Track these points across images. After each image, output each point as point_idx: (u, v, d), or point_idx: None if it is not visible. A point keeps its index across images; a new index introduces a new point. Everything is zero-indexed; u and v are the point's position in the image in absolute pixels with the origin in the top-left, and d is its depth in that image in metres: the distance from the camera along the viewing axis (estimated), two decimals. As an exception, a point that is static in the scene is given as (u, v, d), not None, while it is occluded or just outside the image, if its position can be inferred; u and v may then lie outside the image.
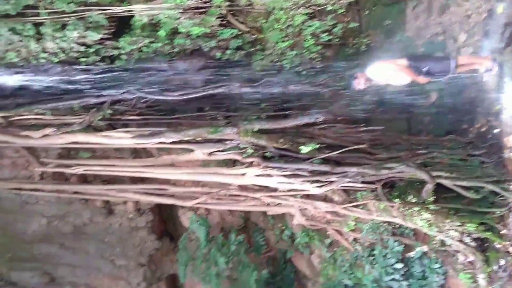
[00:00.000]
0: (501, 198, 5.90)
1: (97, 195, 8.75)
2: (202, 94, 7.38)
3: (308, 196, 7.55)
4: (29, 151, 8.38)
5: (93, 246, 9.95)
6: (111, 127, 7.67)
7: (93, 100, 7.34)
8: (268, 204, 7.98)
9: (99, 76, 7.24)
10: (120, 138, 7.33)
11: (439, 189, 6.35)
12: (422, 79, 5.48)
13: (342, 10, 7.70)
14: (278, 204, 7.90)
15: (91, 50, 6.93)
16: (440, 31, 7.52)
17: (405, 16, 7.99)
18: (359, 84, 5.60)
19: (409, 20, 7.97)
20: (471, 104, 6.79)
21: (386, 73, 5.50)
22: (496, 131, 6.34)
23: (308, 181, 7.12)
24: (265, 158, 7.28)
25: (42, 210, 9.44)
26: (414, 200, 6.50)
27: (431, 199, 6.30)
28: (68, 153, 8.37)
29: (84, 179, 8.70)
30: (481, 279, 6.01)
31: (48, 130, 7.43)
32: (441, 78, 5.58)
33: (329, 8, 7.54)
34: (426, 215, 6.27)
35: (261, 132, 7.03)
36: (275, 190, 7.64)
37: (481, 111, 6.73)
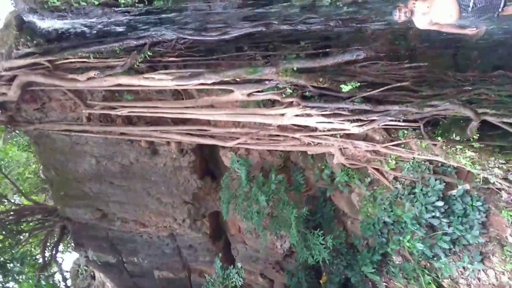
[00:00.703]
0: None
1: (142, 136, 9.06)
2: (240, 33, 7.28)
3: (348, 136, 7.54)
4: (76, 93, 8.68)
5: (140, 184, 10.47)
6: (152, 69, 7.79)
7: (134, 42, 7.39)
8: (308, 144, 8.04)
9: (139, 17, 7.24)
10: (161, 80, 7.47)
11: (485, 126, 6.19)
12: (471, 31, 5.24)
13: None
14: (318, 143, 7.94)
15: (130, -9, 6.91)
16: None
17: None
18: (400, 16, 5.38)
19: None
20: (522, 38, 6.42)
21: (430, 7, 5.25)
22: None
23: (348, 120, 7.10)
24: (304, 97, 7.26)
25: (91, 151, 9.92)
26: (457, 138, 6.37)
27: (476, 136, 6.16)
28: (112, 95, 8.61)
29: (129, 120, 8.97)
30: (525, 216, 5.97)
31: (92, 73, 7.66)
32: (490, 15, 5.28)
33: None
34: (469, 153, 6.16)
35: (300, 71, 6.96)
36: (314, 129, 7.67)
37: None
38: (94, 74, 7.56)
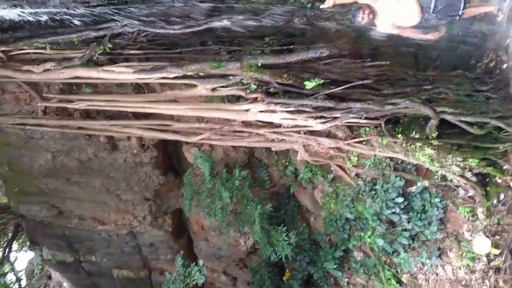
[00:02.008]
0: (505, 134, 5.90)
1: (101, 131, 8.79)
2: (204, 27, 7.16)
3: (311, 132, 7.56)
4: (31, 86, 8.32)
5: (99, 180, 10.16)
6: (112, 61, 7.55)
7: (93, 34, 7.14)
8: (272, 140, 8.02)
9: (99, 8, 7.00)
10: (122, 73, 7.26)
11: (443, 125, 6.35)
12: (433, 36, 5.37)
13: None
14: (282, 140, 7.94)
15: (89, -20, 6.68)
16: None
17: None
18: (364, 18, 5.41)
19: None
20: (481, 39, 6.61)
21: (392, 9, 5.32)
22: (504, 66, 6.23)
23: (312, 117, 7.11)
24: (268, 93, 7.22)
25: (47, 145, 9.54)
26: (417, 135, 6.51)
27: (435, 134, 6.31)
28: (70, 88, 8.30)
29: (88, 114, 8.68)
30: (480, 212, 6.15)
31: (49, 65, 7.35)
32: (451, 18, 5.41)
33: None
34: (428, 150, 6.31)
35: (265, 67, 6.92)
36: (279, 126, 7.65)
37: (490, 46, 6.58)
38: (51, 66, 7.25)
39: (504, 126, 5.79)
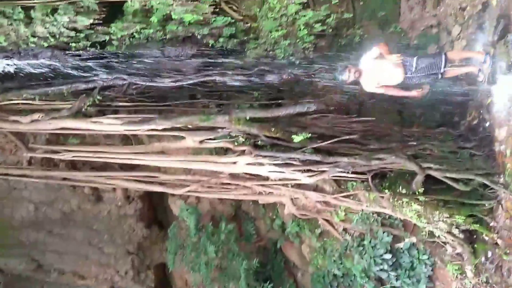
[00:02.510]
0: (491, 191, 5.94)
1: (86, 182, 8.68)
2: (194, 81, 7.30)
3: (299, 186, 7.56)
4: (18, 136, 8.28)
5: (81, 233, 9.88)
6: (101, 113, 7.58)
7: (83, 86, 7.24)
8: (259, 193, 7.98)
9: (90, 61, 7.13)
10: (110, 125, 7.26)
11: (429, 180, 6.39)
12: (417, 93, 5.57)
13: (336, 1, 7.67)
14: (269, 193, 7.90)
15: (82, 35, 6.82)
16: (434, 23, 7.54)
17: (399, 7, 8.01)
18: (349, 77, 5.59)
19: (404, 12, 7.99)
20: (463, 97, 6.82)
21: (377, 68, 5.52)
22: (487, 124, 6.38)
23: (299, 170, 7.12)
24: (256, 146, 7.26)
25: (30, 196, 9.35)
26: (404, 191, 6.52)
27: (421, 190, 6.33)
28: (57, 139, 8.27)
29: (73, 165, 8.60)
30: (469, 270, 6.07)
31: (36, 116, 7.34)
32: (433, 77, 5.63)
33: (324, -3, 7.52)
34: (415, 206, 6.30)
35: (253, 120, 7.00)
36: (266, 179, 7.64)
37: (473, 104, 6.78)
38: (39, 117, 7.25)
39: (489, 183, 5.84)
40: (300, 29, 7.57)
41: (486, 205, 5.97)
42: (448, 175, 6.12)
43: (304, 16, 7.48)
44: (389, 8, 7.97)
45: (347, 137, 6.88)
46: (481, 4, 6.38)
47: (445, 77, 5.82)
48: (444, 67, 5.58)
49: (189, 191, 8.12)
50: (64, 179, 8.65)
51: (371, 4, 7.97)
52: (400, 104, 7.62)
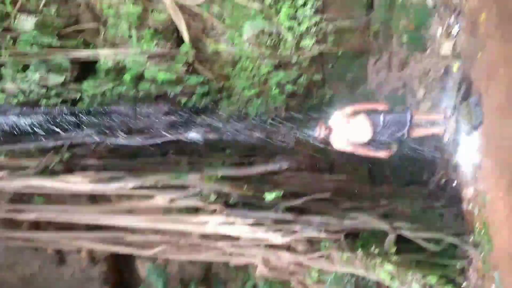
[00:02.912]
0: (461, 251, 5.96)
1: (49, 243, 8.28)
2: (165, 139, 7.27)
3: (271, 246, 7.38)
4: (-21, 194, 7.92)
5: (42, 298, 9.32)
6: (69, 171, 7.39)
7: (51, 143, 7.10)
8: (231, 254, 7.75)
9: (60, 118, 7.05)
10: (77, 183, 7.06)
11: (401, 240, 6.37)
12: (384, 154, 5.71)
13: (306, 63, 7.93)
14: (241, 254, 7.69)
15: (53, 92, 6.80)
16: (400, 85, 7.84)
17: (366, 70, 8.32)
18: (320, 133, 5.70)
19: (371, 74, 8.30)
20: (431, 157, 6.99)
21: (346, 125, 5.65)
22: (454, 183, 6.50)
23: (271, 230, 7.00)
24: (228, 205, 7.14)
25: (-12, 259, 8.84)
26: (376, 251, 6.46)
27: (393, 250, 6.29)
28: (21, 197, 7.94)
29: (37, 225, 8.22)
30: (445, 332, 5.95)
31: (0, 173, 7.09)
32: (400, 134, 5.78)
33: (294, 60, 7.76)
34: (388, 266, 6.22)
35: (225, 178, 6.94)
36: (237, 239, 7.46)
37: (440, 163, 6.93)
38: (2, 175, 7.00)
39: (459, 243, 5.86)
40: (272, 89, 7.75)
41: (458, 265, 5.96)
42: (418, 234, 6.13)
43: (276, 76, 7.70)
44: (357, 71, 8.29)
45: (319, 195, 6.87)
46: (443, 68, 6.70)
47: (412, 136, 5.98)
48: (410, 125, 5.75)
49: (157, 253, 7.82)
50: (27, 240, 8.23)
51: (340, 66, 8.26)
52: (370, 162, 7.72)
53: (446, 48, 6.52)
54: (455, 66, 6.37)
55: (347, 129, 5.68)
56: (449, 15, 6.42)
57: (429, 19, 6.88)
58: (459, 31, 6.25)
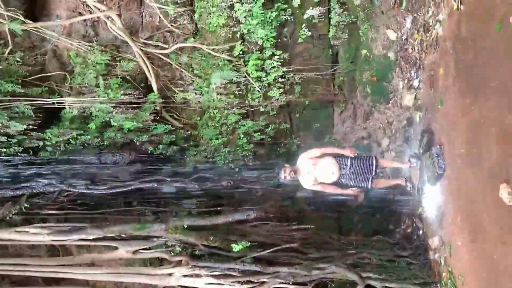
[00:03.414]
0: (429, 301, 5.93)
1: (3, 299, 7.80)
2: (130, 188, 7.11)
3: (237, 299, 7.17)
4: None
5: None
6: (28, 222, 7.08)
7: (10, 193, 6.83)
8: (195, 308, 7.46)
9: (20, 167, 6.83)
10: (36, 234, 6.75)
11: (371, 290, 6.30)
12: (352, 192, 5.78)
13: (274, 112, 8.06)
14: (207, 307, 7.41)
15: (14, 140, 6.60)
16: (365, 135, 8.02)
17: (332, 120, 8.51)
18: (286, 176, 5.74)
19: (337, 124, 8.48)
20: (396, 206, 7.06)
21: (313, 166, 5.69)
22: (420, 232, 6.55)
23: (238, 282, 6.81)
24: (194, 256, 6.94)
25: None
26: (346, 303, 6.36)
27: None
28: (-26, 249, 7.53)
29: (-10, 280, 7.77)
30: None
31: (-46, 224, 6.74)
32: (365, 181, 5.85)
33: (262, 109, 7.87)
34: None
35: (191, 228, 6.77)
36: (204, 292, 7.21)
37: (406, 213, 7.00)
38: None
39: (427, 293, 5.84)
40: (239, 138, 7.79)
41: (428, 316, 5.91)
42: (387, 285, 6.08)
43: (244, 125, 7.75)
44: (323, 121, 8.45)
45: (287, 245, 6.78)
46: (406, 119, 6.91)
47: (375, 187, 6.07)
48: (376, 170, 5.84)
49: (120, 307, 7.47)
50: (-22, 296, 7.74)
51: (307, 116, 8.42)
52: (338, 212, 7.74)
53: (408, 99, 6.75)
54: (417, 117, 6.59)
55: (314, 170, 5.73)
56: (410, 69, 6.70)
57: (391, 72, 7.15)
58: (419, 84, 6.50)
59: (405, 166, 6.27)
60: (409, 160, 6.15)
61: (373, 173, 5.85)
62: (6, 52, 6.79)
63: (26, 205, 6.82)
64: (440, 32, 5.73)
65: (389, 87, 7.25)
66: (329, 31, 7.81)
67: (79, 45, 7.10)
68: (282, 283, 6.73)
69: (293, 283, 6.70)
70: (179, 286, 7.20)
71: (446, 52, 5.57)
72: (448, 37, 5.50)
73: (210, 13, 7.32)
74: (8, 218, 6.82)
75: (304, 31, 7.71)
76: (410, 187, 6.18)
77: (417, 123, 6.64)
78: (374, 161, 5.85)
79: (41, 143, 6.83)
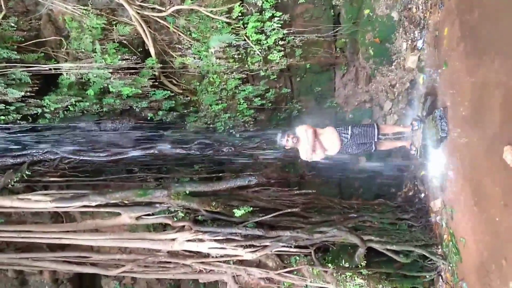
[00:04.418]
0: (430, 262, 5.99)
1: (9, 265, 7.89)
2: (131, 155, 7.08)
3: (241, 262, 7.26)
4: None
5: (1, 323, 8.87)
6: (30, 189, 7.10)
7: (11, 160, 6.82)
8: (200, 271, 7.57)
9: (19, 135, 6.77)
10: (39, 202, 6.77)
11: (372, 253, 6.36)
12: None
13: (274, 76, 7.92)
14: (210, 271, 7.52)
15: (12, 108, 6.51)
16: (367, 99, 7.91)
17: (334, 84, 8.39)
18: (288, 141, 5.72)
19: (338, 88, 8.36)
20: (398, 169, 7.04)
21: (312, 137, 5.66)
22: (422, 195, 6.56)
23: (241, 246, 6.88)
24: (196, 222, 6.99)
25: None
26: (346, 264, 6.43)
27: (363, 263, 6.27)
28: (-22, 217, 7.58)
29: (-5, 246, 7.85)
30: None
31: (-44, 193, 6.76)
32: (367, 146, 5.83)
33: (262, 74, 7.74)
34: (358, 280, 6.20)
35: (193, 194, 6.79)
36: (207, 256, 7.30)
37: (408, 176, 7.00)
38: (-44, 194, 6.67)
39: (428, 255, 5.90)
40: (240, 103, 7.69)
41: (427, 276, 5.99)
42: (388, 247, 6.13)
43: (244, 90, 7.63)
44: (325, 84, 8.33)
45: (289, 210, 6.81)
46: (409, 82, 6.79)
47: (379, 149, 6.03)
48: (378, 137, 5.81)
49: (124, 272, 7.56)
50: (-16, 262, 7.84)
51: (308, 80, 8.29)
52: (338, 177, 7.74)
53: (411, 61, 6.62)
54: (421, 79, 6.47)
55: (315, 141, 5.70)
56: (414, 29, 6.53)
57: (394, 33, 6.98)
58: (423, 45, 6.36)
59: (407, 129, 6.21)
60: (411, 123, 6.09)
61: (375, 139, 5.82)
62: (0, 17, 6.60)
63: (27, 172, 6.81)
64: (445, -9, 5.55)
65: (392, 49, 7.11)
66: (331, -9, 7.60)
67: (74, 8, 6.89)
68: (284, 246, 6.81)
69: (295, 247, 6.79)
70: (182, 250, 7.31)
71: (451, 11, 5.41)
72: (454, -4, 5.33)
73: (207, -27, 7.09)
74: (10, 185, 6.84)
75: (305, -10, 7.51)
76: (415, 150, 6.13)
77: (420, 86, 6.54)
78: (375, 128, 5.80)
79: (39, 110, 6.73)
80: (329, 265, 6.52)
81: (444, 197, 5.83)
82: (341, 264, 6.50)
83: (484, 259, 4.75)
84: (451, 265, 5.65)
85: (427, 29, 6.22)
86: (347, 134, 5.80)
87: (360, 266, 6.28)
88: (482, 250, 4.81)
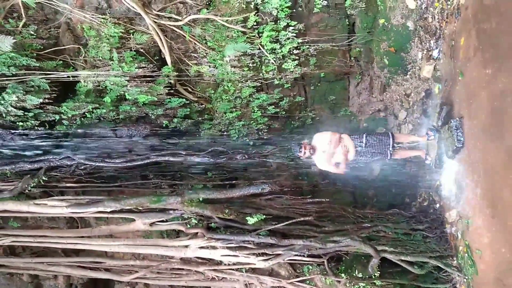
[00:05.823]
0: (445, 274, 5.91)
1: (25, 269, 7.99)
2: (146, 161, 7.15)
3: (254, 270, 7.26)
4: (-49, 219, 7.64)
5: (16, 327, 8.94)
6: (46, 194, 7.21)
7: (28, 166, 6.92)
8: (212, 279, 7.58)
9: (37, 141, 6.89)
10: (55, 207, 6.87)
11: (385, 263, 6.31)
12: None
13: (289, 85, 7.95)
14: (223, 278, 7.53)
15: (30, 114, 6.63)
16: (381, 108, 7.89)
17: (348, 93, 8.38)
18: (304, 152, 5.73)
19: (352, 97, 8.35)
20: (413, 179, 6.99)
21: (329, 144, 5.66)
22: (437, 205, 6.50)
23: (254, 253, 6.89)
24: (209, 229, 7.02)
25: (-41, 287, 8.49)
26: (360, 275, 6.38)
27: (377, 274, 6.21)
28: (-5, 222, 7.70)
29: (12, 251, 7.95)
30: None
31: (-26, 197, 6.87)
32: (382, 155, 5.80)
33: (276, 82, 7.77)
34: (372, 290, 6.16)
35: (207, 202, 6.82)
36: (219, 263, 7.31)
37: (422, 186, 6.94)
38: (-26, 199, 6.79)
39: (443, 266, 5.83)
40: (254, 111, 7.72)
41: (442, 288, 5.92)
42: (403, 258, 6.07)
43: (258, 99, 7.67)
44: (339, 93, 8.33)
45: (302, 218, 6.79)
46: (424, 91, 6.76)
47: (394, 158, 6.00)
48: (392, 146, 5.79)
49: (137, 278, 7.61)
50: (1, 266, 7.94)
51: (322, 89, 8.29)
52: (353, 186, 7.70)
53: (427, 71, 6.59)
54: (436, 88, 6.44)
55: (329, 148, 5.70)
56: (430, 39, 6.51)
57: (409, 42, 6.97)
58: (439, 54, 6.33)
59: (422, 139, 6.18)
60: (427, 133, 6.05)
61: (390, 148, 5.80)
62: (20, 25, 6.75)
63: (44, 178, 6.91)
64: (462, 0, 5.53)
65: (407, 58, 7.08)
66: (345, 0, 7.61)
67: (92, 17, 7.02)
68: (297, 255, 6.79)
69: (308, 256, 6.76)
70: (195, 257, 7.33)
71: (467, 21, 5.38)
72: (470, 5, 5.30)
73: (223, -17, 7.18)
74: (27, 191, 6.94)
75: (320, 0, 7.52)
76: (430, 160, 6.09)
77: (435, 95, 6.50)
78: (390, 137, 5.78)
79: (57, 117, 6.85)
80: (342, 275, 6.47)
81: (459, 208, 5.76)
82: (354, 274, 6.44)
83: (501, 272, 4.68)
84: (466, 277, 5.57)
85: (443, 39, 6.19)
86: (362, 142, 5.81)
87: (373, 277, 6.22)
88: (498, 263, 4.74)
